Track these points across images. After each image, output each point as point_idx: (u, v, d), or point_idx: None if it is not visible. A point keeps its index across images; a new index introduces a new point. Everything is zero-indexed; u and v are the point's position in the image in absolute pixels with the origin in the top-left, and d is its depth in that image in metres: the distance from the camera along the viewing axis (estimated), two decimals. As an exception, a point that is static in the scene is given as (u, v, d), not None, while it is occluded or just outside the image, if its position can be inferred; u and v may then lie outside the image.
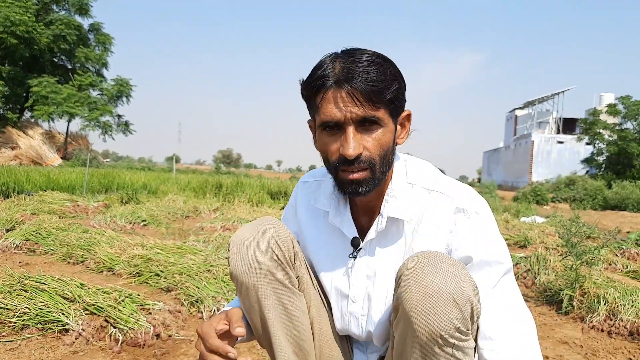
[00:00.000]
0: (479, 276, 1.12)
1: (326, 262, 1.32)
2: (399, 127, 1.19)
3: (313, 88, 1.12)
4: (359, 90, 1.06)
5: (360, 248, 1.25)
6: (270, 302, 1.18)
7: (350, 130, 1.09)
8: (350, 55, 1.10)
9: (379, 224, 1.22)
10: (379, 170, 1.14)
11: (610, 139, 35.66)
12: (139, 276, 3.45)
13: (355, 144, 1.09)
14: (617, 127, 35.78)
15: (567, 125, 49.34)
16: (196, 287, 2.99)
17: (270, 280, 1.17)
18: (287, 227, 1.41)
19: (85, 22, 30.96)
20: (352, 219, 1.28)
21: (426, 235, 1.19)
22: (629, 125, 35.76)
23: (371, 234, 1.23)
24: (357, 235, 1.26)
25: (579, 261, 3.47)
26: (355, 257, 1.26)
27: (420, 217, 1.20)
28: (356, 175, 1.13)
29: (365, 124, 1.10)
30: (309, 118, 1.23)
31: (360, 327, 1.28)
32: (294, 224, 1.44)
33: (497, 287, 1.13)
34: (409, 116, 1.21)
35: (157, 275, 3.38)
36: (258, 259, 1.16)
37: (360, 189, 1.15)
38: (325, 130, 1.14)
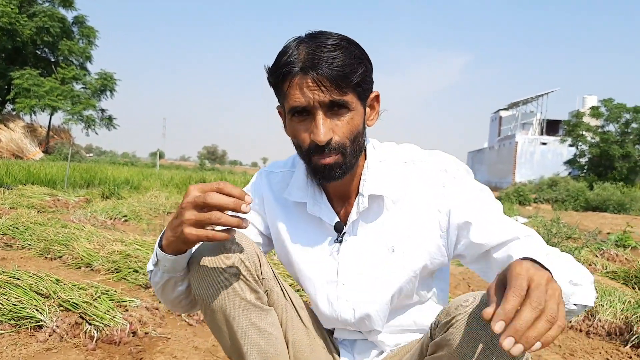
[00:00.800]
0: (488, 226, 1.14)
1: (307, 252, 1.28)
2: (368, 109, 1.18)
3: (279, 75, 1.10)
4: (325, 76, 1.05)
5: (344, 232, 1.24)
6: (240, 324, 1.14)
7: (320, 116, 1.08)
8: (315, 40, 1.08)
9: (360, 204, 1.20)
10: (350, 154, 1.14)
11: (593, 141, 36.12)
12: (117, 272, 3.41)
13: (325, 129, 1.09)
14: (599, 130, 36.26)
15: (551, 127, 49.86)
16: (175, 284, 2.95)
17: (238, 301, 1.13)
18: (252, 225, 1.36)
19: (69, 15, 30.43)
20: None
21: (414, 205, 1.19)
22: (611, 127, 36.27)
23: (353, 215, 1.21)
24: (339, 220, 1.24)
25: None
26: (340, 242, 1.24)
27: (401, 190, 1.21)
28: (328, 160, 1.12)
29: (334, 109, 1.09)
30: (278, 104, 1.21)
31: (352, 310, 1.25)
32: (260, 218, 1.37)
33: (504, 222, 1.15)
34: (377, 97, 1.20)
35: (136, 271, 3.34)
36: (223, 281, 1.11)
37: (334, 173, 1.14)
38: (295, 116, 1.12)
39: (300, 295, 1.50)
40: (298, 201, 1.28)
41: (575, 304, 0.98)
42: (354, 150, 1.14)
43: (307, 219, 1.28)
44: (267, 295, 1.21)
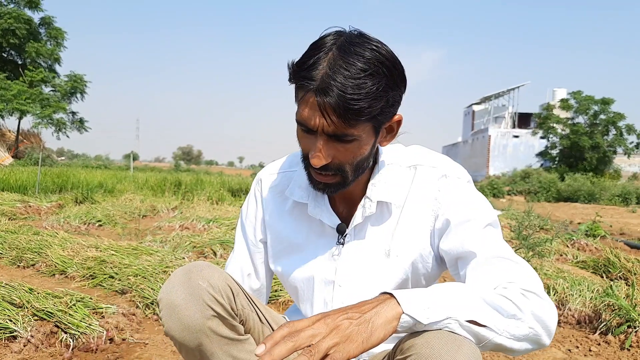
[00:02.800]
0: (460, 232, 1.11)
1: (306, 254, 1.27)
2: (385, 131, 1.12)
3: (296, 82, 1.04)
4: (332, 107, 0.98)
5: (346, 234, 1.22)
6: (218, 359, 1.12)
7: (320, 141, 1.04)
8: (344, 55, 0.99)
9: (367, 208, 1.19)
10: (350, 177, 1.11)
11: (563, 132, 36.94)
12: (92, 279, 3.37)
13: (323, 154, 1.05)
14: (569, 122, 37.07)
15: (522, 120, 50.80)
16: (151, 288, 2.94)
17: (214, 338, 1.10)
18: (249, 227, 1.37)
19: (36, 16, 29.85)
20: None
21: (413, 209, 1.18)
22: (580, 119, 37.12)
23: (357, 219, 1.20)
24: (340, 221, 1.22)
25: (531, 253, 3.58)
26: (343, 244, 1.22)
27: (406, 194, 1.19)
28: (325, 179, 1.10)
29: (338, 137, 1.04)
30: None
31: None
32: (258, 222, 1.37)
33: (479, 235, 1.10)
34: (399, 122, 1.13)
35: (112, 277, 3.31)
36: (196, 320, 1.07)
37: (328, 191, 1.12)
38: (301, 126, 1.08)
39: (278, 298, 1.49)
40: (299, 201, 1.26)
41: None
42: (355, 173, 1.12)
43: (308, 219, 1.27)
44: (243, 324, 1.19)
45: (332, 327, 0.84)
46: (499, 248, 1.07)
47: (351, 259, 1.22)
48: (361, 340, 0.84)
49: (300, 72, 1.02)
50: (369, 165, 1.15)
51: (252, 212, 1.38)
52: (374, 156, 1.20)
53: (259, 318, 1.24)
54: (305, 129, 1.06)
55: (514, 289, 0.96)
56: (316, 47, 1.03)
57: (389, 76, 1.01)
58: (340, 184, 1.11)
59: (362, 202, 1.20)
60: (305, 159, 1.12)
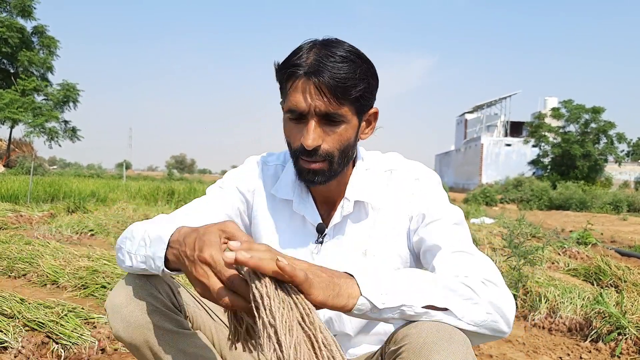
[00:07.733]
0: (430, 228, 1.18)
1: (287, 252, 1.26)
2: (364, 123, 1.22)
3: (285, 74, 1.14)
4: (325, 85, 1.08)
5: (326, 233, 1.27)
6: (168, 353, 1.15)
7: (312, 122, 1.12)
8: (326, 47, 1.11)
9: (344, 208, 1.25)
10: (337, 163, 1.17)
11: (555, 141, 37.21)
12: (84, 289, 3.36)
13: (315, 136, 1.12)
14: (560, 130, 37.36)
15: (514, 129, 51.16)
16: (144, 298, 2.93)
17: (160, 333, 1.14)
18: (228, 201, 1.33)
19: (29, 25, 29.82)
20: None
21: (389, 211, 1.25)
22: (571, 127, 37.43)
23: (336, 218, 1.26)
24: (321, 221, 1.28)
25: (522, 261, 3.60)
26: (321, 243, 1.27)
27: (382, 197, 1.26)
28: (313, 166, 1.16)
29: (328, 118, 1.13)
30: (281, 100, 1.24)
31: (322, 312, 1.25)
32: (245, 205, 1.35)
33: (446, 231, 1.17)
34: (376, 114, 1.24)
35: (104, 287, 3.30)
36: (137, 315, 1.11)
37: (316, 179, 1.18)
38: (291, 116, 1.15)
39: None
40: (284, 198, 1.30)
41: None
42: (342, 160, 1.18)
43: (292, 216, 1.31)
44: (190, 321, 1.23)
45: (310, 269, 0.90)
46: (463, 244, 1.14)
47: (329, 257, 1.26)
48: (328, 294, 0.88)
49: (288, 63, 1.13)
50: (353, 156, 1.24)
51: (245, 187, 1.35)
52: (353, 160, 1.27)
53: (210, 315, 1.28)
54: (296, 116, 1.14)
55: (474, 278, 1.01)
56: (297, 49, 1.15)
57: (366, 66, 1.14)
58: (327, 172, 1.18)
59: (340, 203, 1.26)
60: (295, 152, 1.18)
